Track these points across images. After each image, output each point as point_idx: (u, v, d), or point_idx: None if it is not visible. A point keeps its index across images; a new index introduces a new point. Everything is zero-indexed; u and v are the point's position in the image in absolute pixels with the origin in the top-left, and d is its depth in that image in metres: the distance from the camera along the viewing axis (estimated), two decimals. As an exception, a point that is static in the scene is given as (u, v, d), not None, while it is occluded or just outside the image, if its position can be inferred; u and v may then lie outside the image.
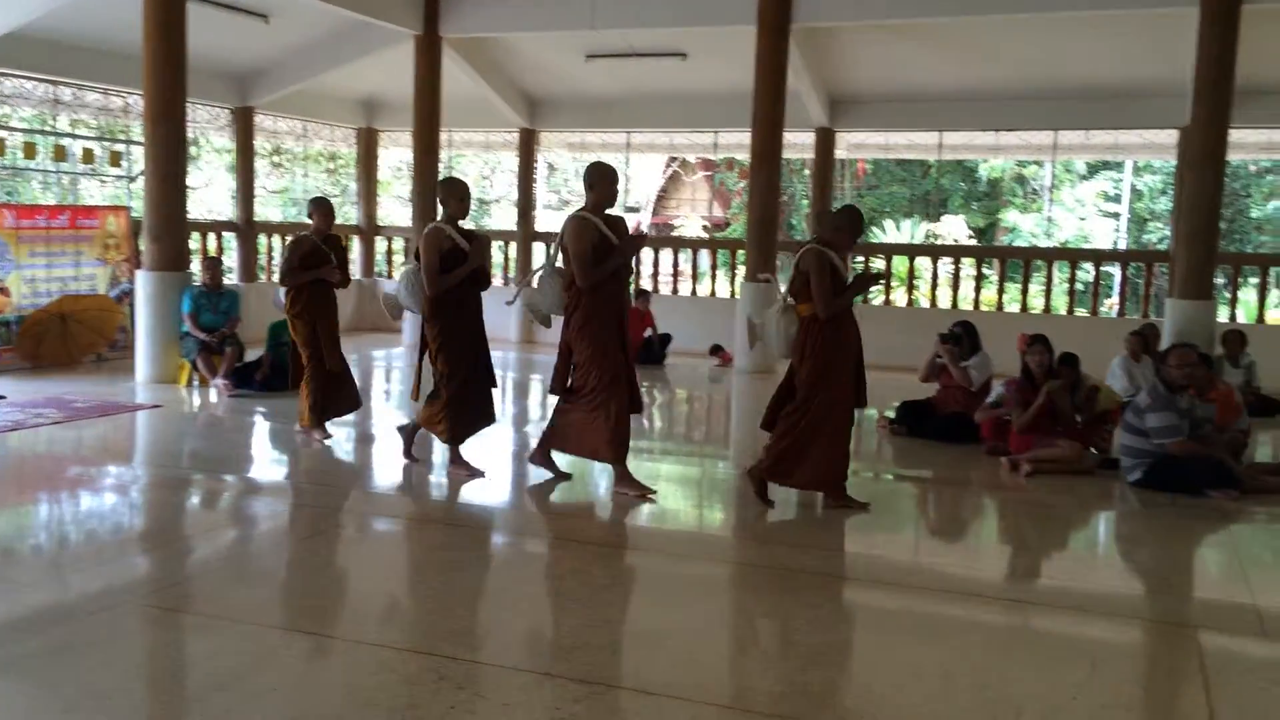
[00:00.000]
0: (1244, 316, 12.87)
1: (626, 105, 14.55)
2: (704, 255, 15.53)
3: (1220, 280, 13.45)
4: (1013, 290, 13.75)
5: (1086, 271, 13.78)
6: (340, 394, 7.38)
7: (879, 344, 9.77)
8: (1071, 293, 13.65)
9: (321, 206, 7.24)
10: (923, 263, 14.39)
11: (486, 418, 6.36)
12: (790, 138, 12.57)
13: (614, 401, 5.74)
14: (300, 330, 7.17)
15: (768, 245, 11.64)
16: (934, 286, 13.87)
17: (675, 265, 15.24)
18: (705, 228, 26.94)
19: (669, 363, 12.47)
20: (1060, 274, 14.22)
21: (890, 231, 24.49)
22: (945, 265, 14.09)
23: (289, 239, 8.03)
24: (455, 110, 13.62)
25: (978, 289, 13.70)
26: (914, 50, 12.23)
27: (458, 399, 6.14)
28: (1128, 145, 14.33)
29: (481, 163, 26.32)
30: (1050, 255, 14.80)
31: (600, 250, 5.65)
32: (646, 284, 14.59)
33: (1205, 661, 3.77)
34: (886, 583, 4.72)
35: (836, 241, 5.67)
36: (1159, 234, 23.48)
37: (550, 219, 22.76)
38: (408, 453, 6.54)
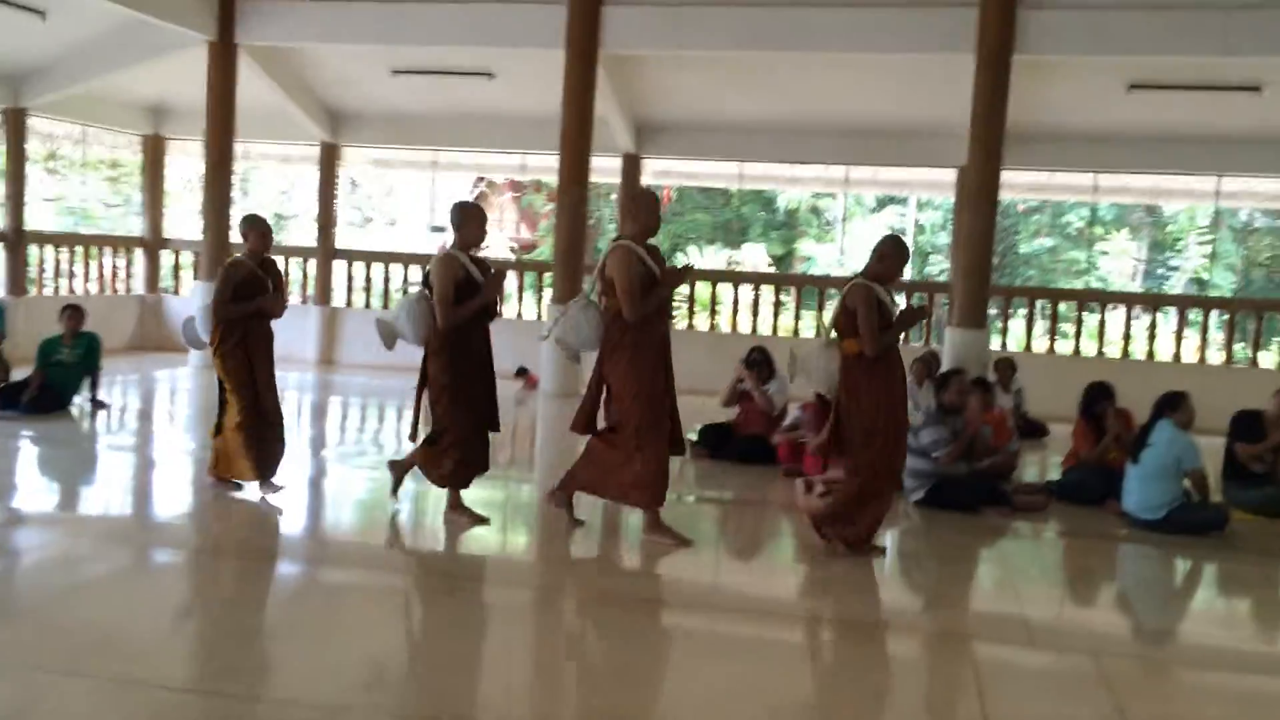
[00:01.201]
0: (1014, 345, 13.85)
1: (433, 123, 14.35)
2: (510, 276, 15.47)
3: (993, 311, 14.44)
4: (808, 317, 14.33)
5: (875, 300, 14.50)
6: (278, 443, 6.33)
7: (682, 368, 9.95)
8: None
9: (258, 226, 6.23)
10: (724, 289, 14.80)
11: (485, 463, 5.88)
12: (598, 162, 12.69)
13: (655, 443, 5.39)
14: (233, 370, 6.06)
15: (575, 268, 11.70)
16: (735, 312, 14.27)
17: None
18: (512, 249, 26.86)
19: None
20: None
21: (694, 257, 25.10)
22: (746, 292, 14.56)
23: (224, 263, 6.39)
24: (251, 121, 13.07)
25: (776, 315, 14.20)
26: (718, 82, 12.61)
27: (463, 441, 5.67)
28: (912, 182, 15.24)
29: (280, 177, 25.37)
30: (843, 284, 15.54)
31: (645, 281, 5.35)
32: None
33: (979, 671, 4.01)
34: (689, 605, 4.79)
35: (882, 273, 5.50)
36: (940, 266, 25.02)
37: (353, 237, 22.15)
38: (396, 492, 6.05)
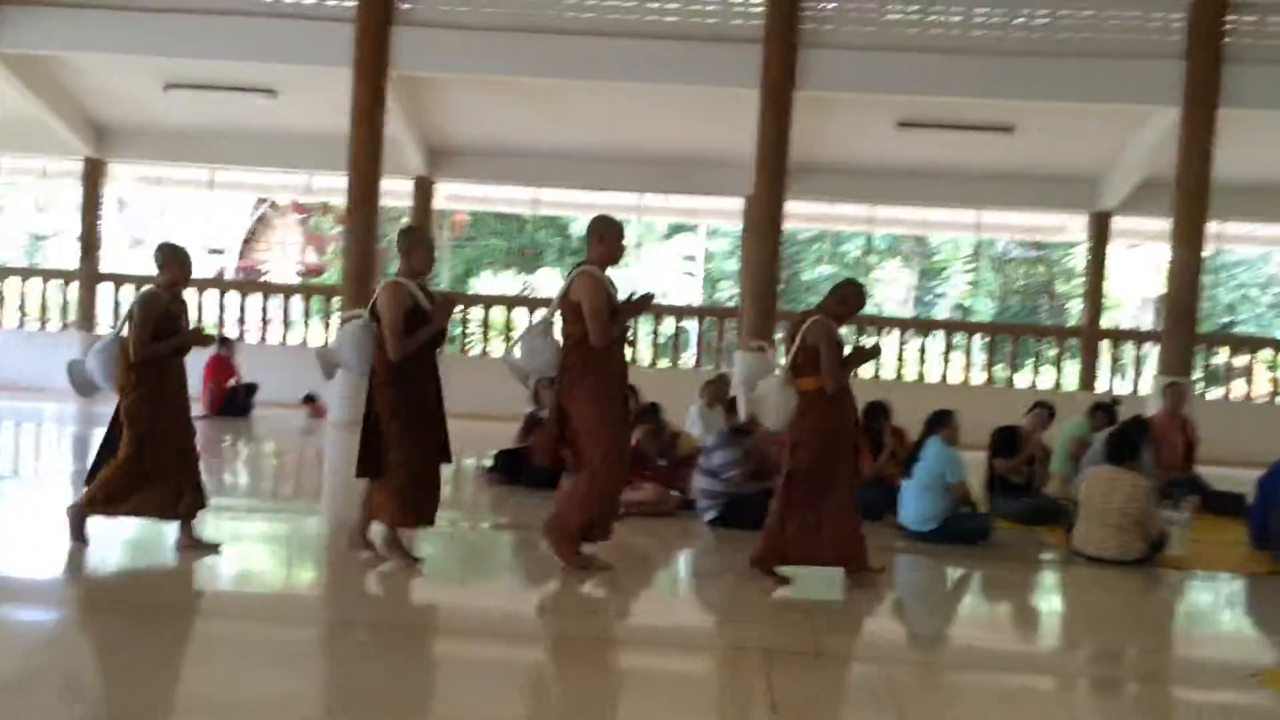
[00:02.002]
0: (799, 367, 14.43)
1: (210, 140, 13.69)
2: (296, 301, 14.88)
3: (779, 335, 15.01)
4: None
5: (668, 325, 14.82)
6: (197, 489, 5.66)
7: (478, 393, 9.85)
8: (655, 345, 14.59)
9: (179, 256, 5.56)
10: (519, 314, 14.78)
11: (436, 501, 5.52)
12: (388, 184, 12.43)
13: (610, 471, 5.29)
14: (144, 414, 5.36)
15: (365, 293, 11.36)
16: (530, 337, 14.33)
17: (264, 312, 14.46)
18: (299, 273, 25.88)
19: (256, 413, 11.77)
20: (645, 327, 15.22)
21: (488, 283, 24.92)
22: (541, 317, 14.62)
23: (137, 296, 5.53)
24: (4, 133, 12.09)
25: (570, 340, 14.26)
26: (513, 107, 12.61)
27: (414, 478, 5.33)
28: (702, 210, 15.71)
29: (36, 193, 23.54)
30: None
31: (609, 308, 5.24)
32: (231, 331, 13.72)
33: (772, 683, 4.10)
34: (478, 633, 4.69)
35: (842, 314, 5.58)
36: (729, 292, 25.82)
37: (121, 259, 20.79)
38: (362, 542, 5.52)
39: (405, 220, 15.80)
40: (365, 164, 11.25)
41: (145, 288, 5.50)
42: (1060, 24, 10.78)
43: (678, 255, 26.86)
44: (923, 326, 17.48)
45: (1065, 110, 11.42)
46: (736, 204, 14.14)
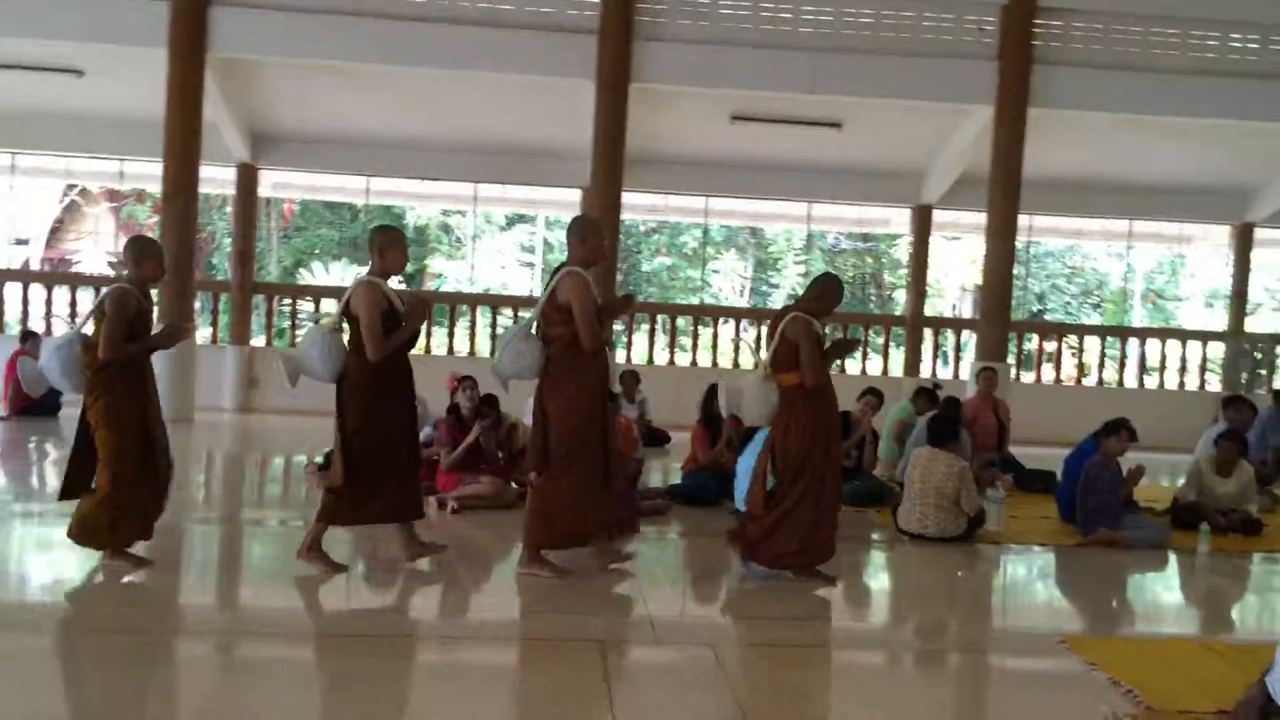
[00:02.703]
0: (638, 358, 14.55)
1: (11, 123, 12.77)
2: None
3: (619, 327, 15.08)
4: (439, 334, 14.23)
5: (507, 317, 14.68)
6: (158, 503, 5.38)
7: (310, 388, 9.53)
8: (494, 336, 14.45)
9: (157, 251, 5.29)
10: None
11: (419, 502, 5.41)
12: (209, 172, 11.89)
13: (578, 471, 5.22)
14: (125, 421, 5.04)
15: (185, 285, 10.85)
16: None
17: (73, 305, 13.60)
18: (111, 264, 24.48)
19: (65, 413, 11.06)
20: (483, 319, 15.05)
21: (320, 274, 24.17)
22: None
23: (106, 292, 5.12)
24: None
25: (407, 332, 13.97)
26: (342, 92, 12.23)
27: (384, 482, 5.18)
28: (540, 201, 15.62)
29: None
30: (474, 301, 15.60)
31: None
32: (37, 326, 12.85)
33: (608, 672, 4.11)
34: (313, 635, 4.54)
35: (819, 310, 5.54)
36: (568, 284, 25.75)
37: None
38: (316, 554, 5.26)
39: (229, 209, 15.13)
40: (182, 150, 10.70)
41: (115, 284, 5.10)
42: (883, 24, 11.18)
43: (516, 246, 26.68)
44: (758, 316, 17.89)
45: (889, 107, 11.86)
46: (575, 195, 14.12)
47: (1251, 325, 17.44)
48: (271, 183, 14.19)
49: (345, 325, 5.23)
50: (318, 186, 14.83)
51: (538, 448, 5.30)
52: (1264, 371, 14.32)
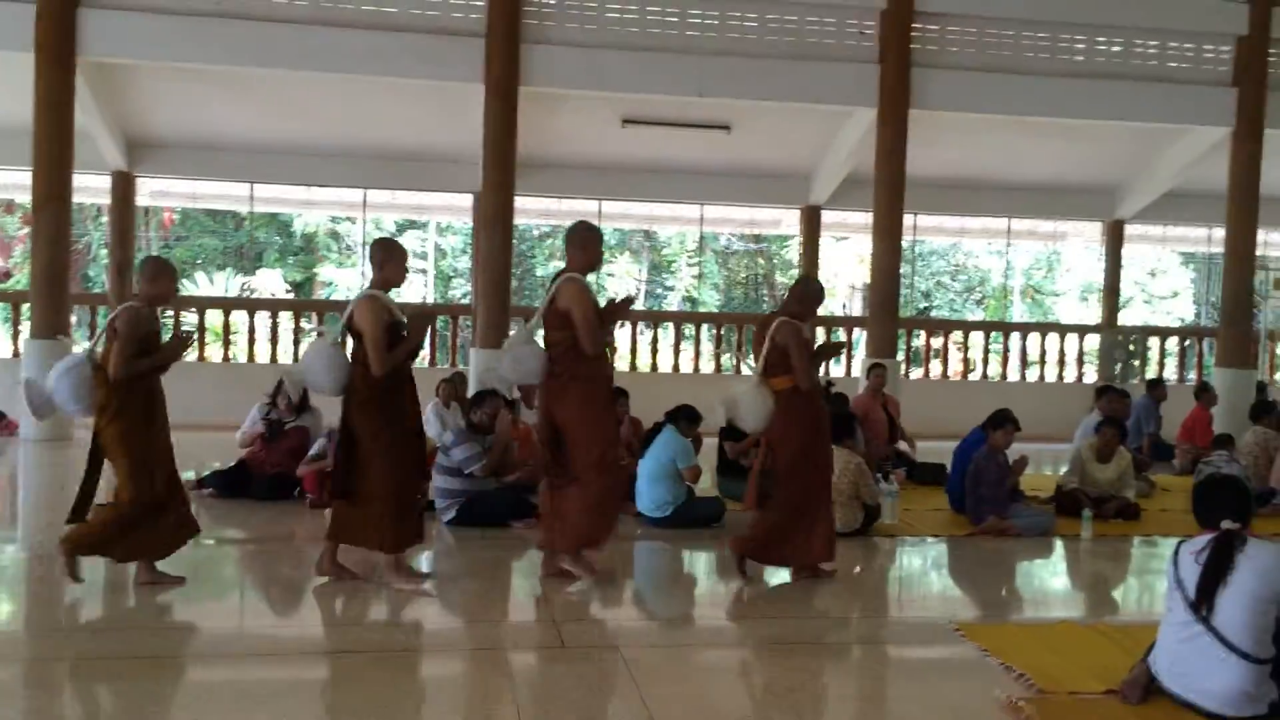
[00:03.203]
0: (534, 363, 14.50)
1: None
2: None
3: (511, 329, 14.99)
4: (331, 343, 13.99)
5: (399, 324, 14.47)
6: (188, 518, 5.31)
7: (191, 402, 9.26)
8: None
9: (171, 270, 5.23)
10: (239, 317, 13.96)
11: (420, 517, 5.36)
12: (83, 180, 11.43)
13: (599, 481, 5.27)
14: (132, 438, 4.95)
15: (59, 298, 10.39)
16: (251, 342, 13.50)
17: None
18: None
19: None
20: (376, 327, 14.78)
21: (203, 285, 23.45)
22: (263, 319, 13.81)
23: (118, 311, 5.05)
24: None
25: (296, 343, 13.65)
26: (224, 97, 11.87)
27: (396, 498, 5.14)
28: (432, 206, 15.43)
29: None
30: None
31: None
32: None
33: (515, 680, 4.08)
34: (207, 655, 4.39)
35: (802, 313, 5.61)
36: (463, 289, 25.56)
37: None
38: (332, 567, 5.30)
39: (105, 219, 14.56)
40: (52, 158, 10.24)
41: (127, 303, 5.06)
42: (768, 27, 11.35)
43: (407, 252, 26.30)
44: (654, 319, 18.02)
45: (776, 110, 12.04)
46: (466, 200, 13.99)
47: (1124, 318, 18.23)
48: (150, 191, 13.72)
49: (347, 340, 5.23)
50: (199, 194, 14.39)
51: (555, 458, 5.35)
52: (1136, 362, 14.97)
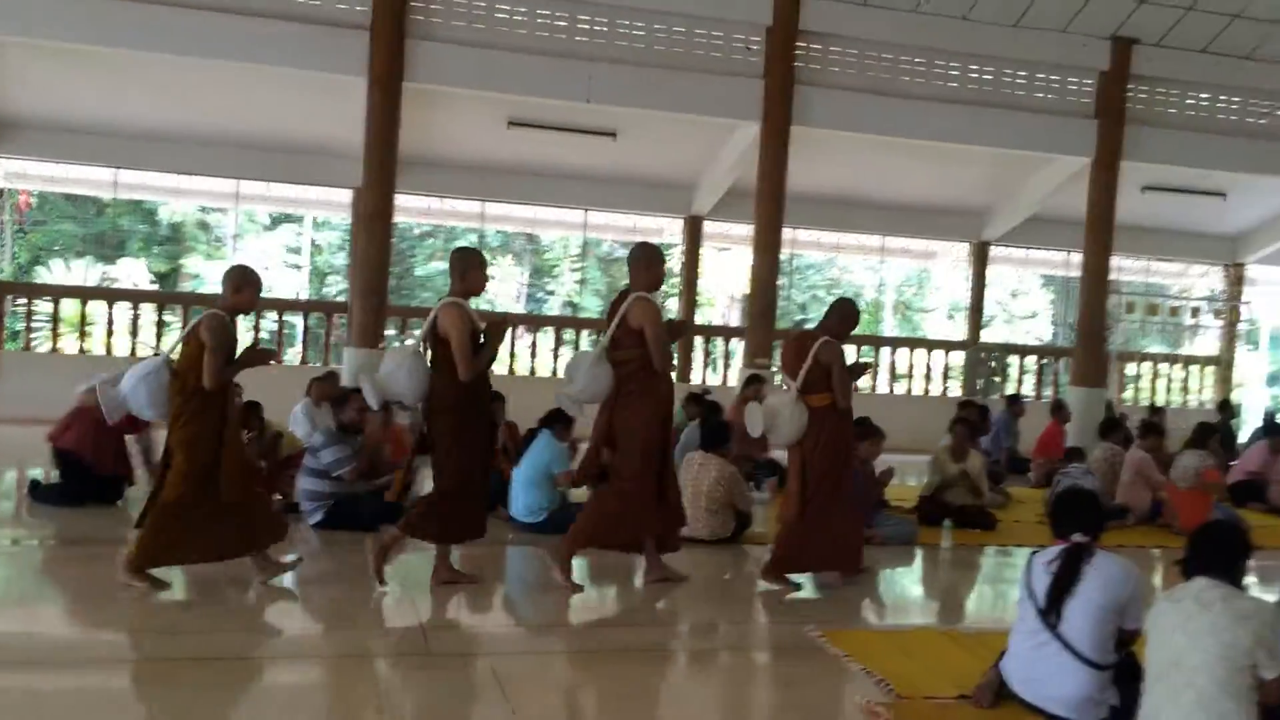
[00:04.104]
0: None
1: None
2: None
3: (391, 331, 14.71)
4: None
5: (271, 320, 14.06)
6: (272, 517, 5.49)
7: (39, 396, 8.83)
8: (256, 341, 13.79)
9: (255, 280, 5.32)
10: (97, 308, 13.33)
11: (481, 525, 5.52)
12: (-71, 157, 10.77)
13: (643, 490, 5.52)
14: (204, 447, 5.02)
15: None
16: (110, 334, 12.92)
17: None
18: None
19: None
20: (245, 322, 14.30)
21: (59, 273, 22.34)
22: (123, 311, 13.22)
23: (200, 319, 5.06)
24: None
25: (159, 336, 13.12)
26: (88, 78, 11.34)
27: (462, 496, 5.31)
28: (308, 200, 15.02)
29: None
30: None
31: None
32: None
33: (381, 689, 4.00)
34: (54, 661, 4.18)
35: (842, 332, 5.84)
36: (338, 287, 24.98)
37: None
38: (379, 572, 5.36)
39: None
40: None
41: (210, 310, 5.10)
42: (656, 37, 11.42)
43: (282, 247, 25.58)
44: (535, 322, 17.95)
45: (662, 120, 12.13)
46: (345, 196, 13.67)
47: (986, 336, 18.96)
48: (5, 171, 13.01)
49: (425, 347, 5.34)
50: (59, 178, 13.68)
51: (594, 462, 5.62)
52: (998, 378, 15.58)
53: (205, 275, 24.29)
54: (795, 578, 6.03)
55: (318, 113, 12.10)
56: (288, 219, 25.06)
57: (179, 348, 5.17)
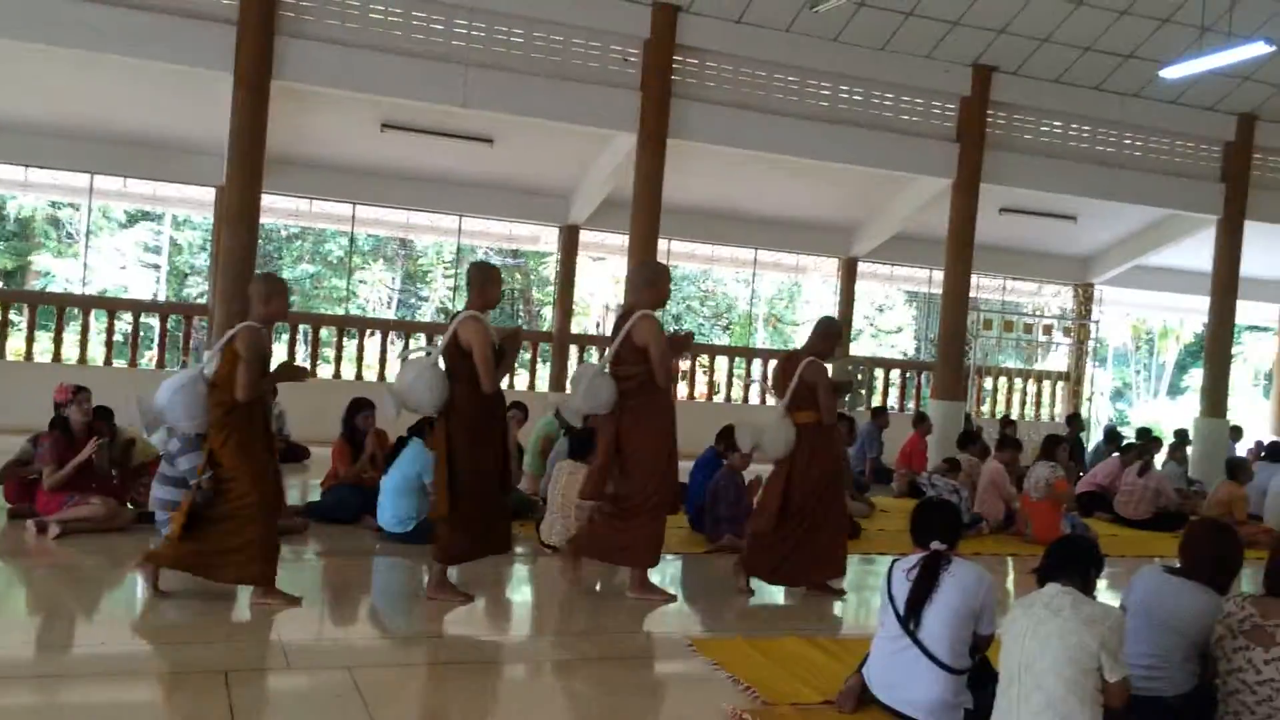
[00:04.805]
0: (276, 369, 13.84)
1: None
2: None
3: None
4: (44, 339, 12.76)
5: (126, 321, 13.45)
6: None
7: None
8: (109, 343, 13.17)
9: (284, 289, 5.33)
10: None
11: (501, 539, 5.66)
12: None
13: (662, 506, 5.71)
14: (257, 454, 5.13)
15: None
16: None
17: None
18: None
19: None
20: (98, 323, 13.64)
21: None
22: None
23: (236, 331, 5.10)
24: None
25: (4, 337, 12.41)
26: (-75, 62, 10.66)
27: (482, 514, 5.42)
28: (168, 198, 14.43)
29: None
30: (87, 303, 14.08)
31: None
32: None
33: (234, 704, 3.84)
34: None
35: (826, 351, 6.18)
36: (199, 288, 24.09)
37: None
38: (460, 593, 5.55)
39: None
40: None
41: (246, 324, 5.12)
42: (534, 44, 11.37)
43: (139, 245, 24.51)
44: (406, 328, 17.63)
45: (539, 127, 12.06)
46: (208, 194, 13.20)
47: (853, 349, 19.47)
48: None
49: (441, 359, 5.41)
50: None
51: (599, 477, 5.77)
52: (864, 391, 16.01)
53: (56, 273, 23.11)
54: (669, 589, 6.10)
55: (180, 107, 11.66)
56: (146, 216, 24.07)
57: (214, 360, 5.22)
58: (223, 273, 10.70)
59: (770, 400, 15.37)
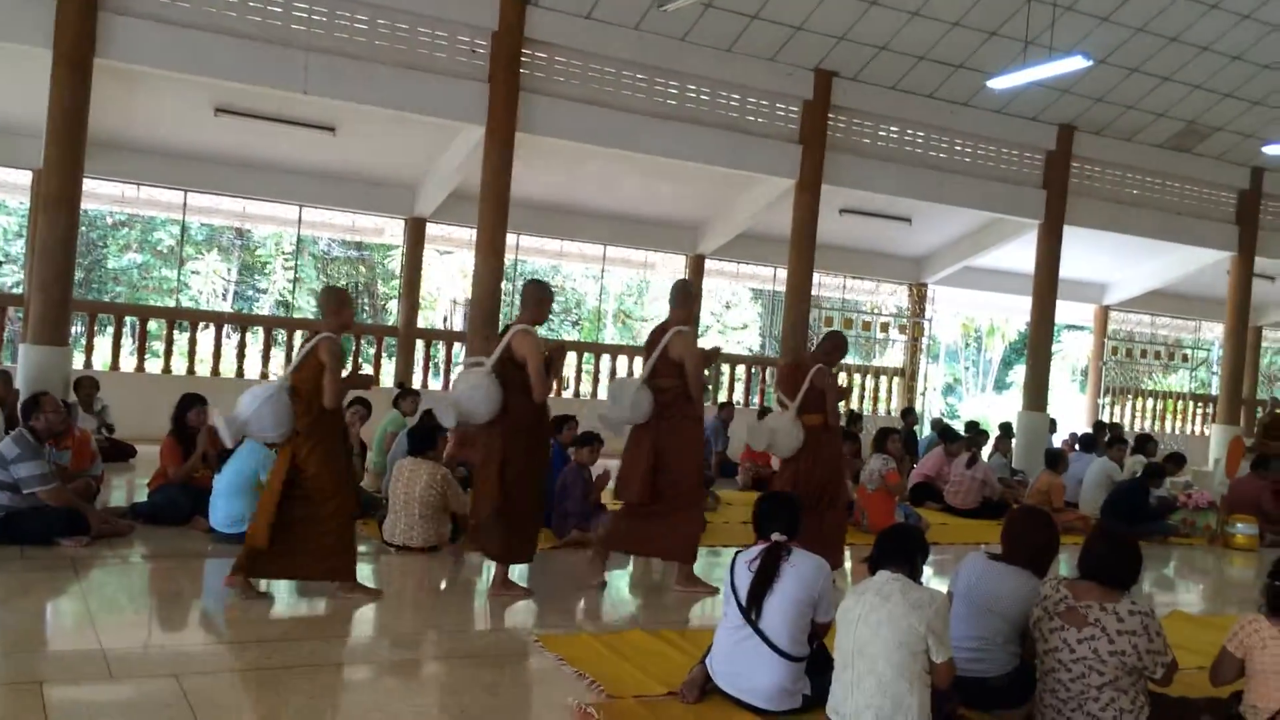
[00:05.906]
0: (99, 363, 13.11)
1: None
2: None
3: (77, 327, 13.47)
4: None
5: (-70, 312, 12.51)
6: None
7: None
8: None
9: (348, 300, 5.80)
10: None
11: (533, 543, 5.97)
12: None
13: (700, 505, 6.40)
14: (334, 457, 5.49)
15: None
16: None
17: None
18: None
19: None
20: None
21: None
22: None
23: (316, 341, 5.41)
24: None
25: None
26: None
27: (530, 515, 5.84)
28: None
29: None
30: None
31: None
32: None
33: (49, 716, 3.63)
34: None
35: (832, 360, 6.89)
36: (14, 277, 22.64)
37: None
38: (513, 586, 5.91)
39: None
40: None
41: (324, 335, 5.44)
42: (379, 32, 11.07)
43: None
44: (243, 321, 17.00)
45: (384, 117, 11.78)
46: (24, 177, 12.39)
47: (701, 344, 19.73)
48: None
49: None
50: None
51: (644, 479, 6.10)
52: (710, 386, 16.29)
53: None
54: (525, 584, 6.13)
55: (-6, 85, 10.91)
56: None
57: (292, 370, 5.48)
58: (39, 260, 10.05)
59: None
